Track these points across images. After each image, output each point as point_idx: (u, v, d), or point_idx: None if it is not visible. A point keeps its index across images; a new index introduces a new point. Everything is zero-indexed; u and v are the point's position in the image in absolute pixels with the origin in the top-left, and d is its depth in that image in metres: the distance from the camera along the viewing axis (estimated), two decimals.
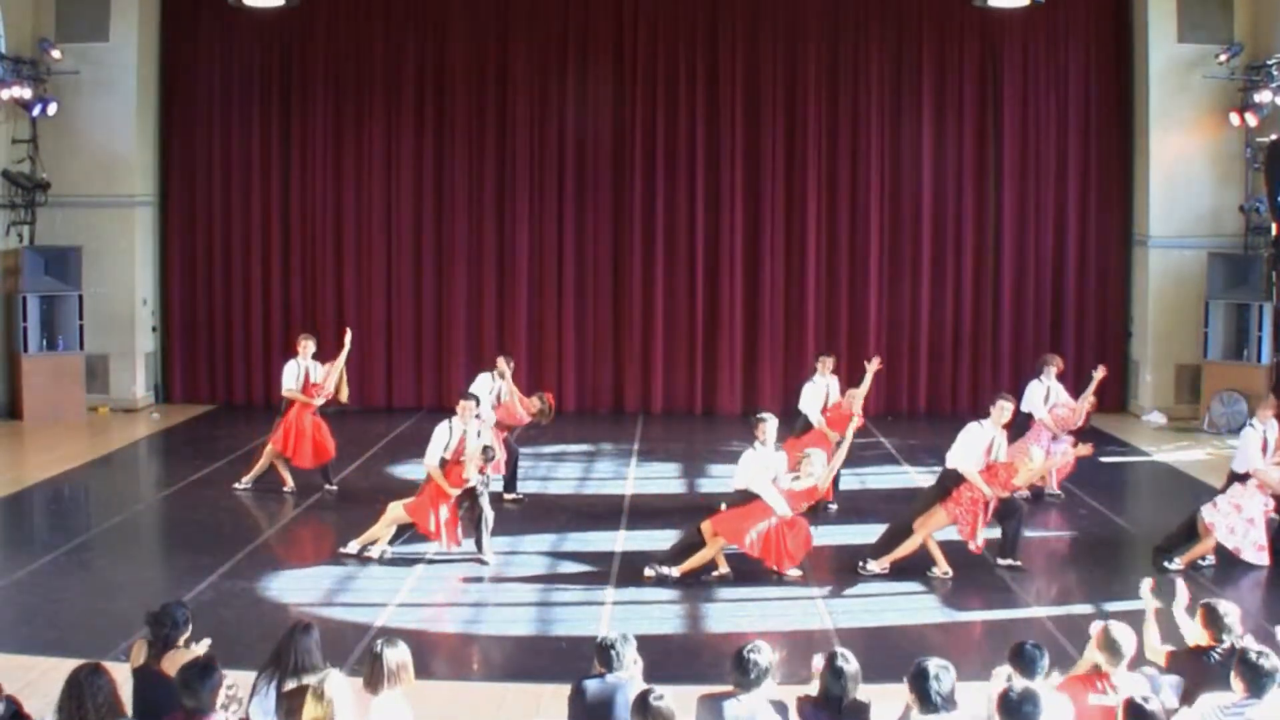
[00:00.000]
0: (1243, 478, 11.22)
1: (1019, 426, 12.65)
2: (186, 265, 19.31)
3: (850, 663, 6.15)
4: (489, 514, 11.32)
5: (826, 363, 13.75)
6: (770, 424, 11.02)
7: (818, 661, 6.31)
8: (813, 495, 10.71)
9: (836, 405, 13.52)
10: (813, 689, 6.24)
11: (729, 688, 5.99)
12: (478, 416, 11.95)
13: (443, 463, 11.19)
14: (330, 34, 19.02)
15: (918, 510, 11.07)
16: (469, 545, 11.28)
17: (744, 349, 19.19)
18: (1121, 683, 6.26)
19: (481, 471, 11.18)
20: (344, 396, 14.02)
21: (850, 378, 14.23)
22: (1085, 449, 11.45)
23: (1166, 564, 11.15)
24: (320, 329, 18.62)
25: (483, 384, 13.29)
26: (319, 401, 13.66)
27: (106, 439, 16.74)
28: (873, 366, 13.58)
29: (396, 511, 11.23)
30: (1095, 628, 6.48)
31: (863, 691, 6.13)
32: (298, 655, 6.33)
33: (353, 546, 11.31)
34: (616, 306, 19.24)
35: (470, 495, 11.27)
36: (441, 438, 11.28)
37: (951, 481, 10.92)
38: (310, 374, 13.73)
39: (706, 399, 19.26)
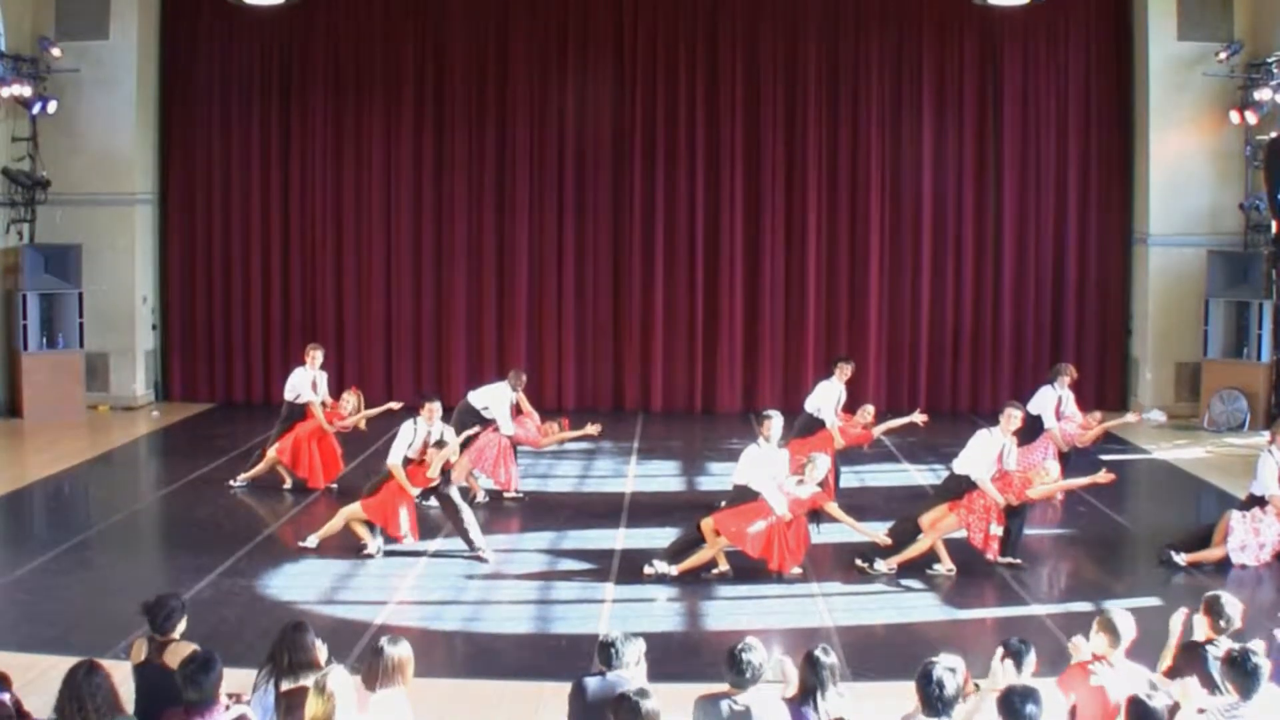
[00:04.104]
0: (1261, 501, 11.23)
1: (1027, 429, 12.59)
2: (186, 263, 19.31)
3: (828, 655, 6.17)
4: (468, 514, 11.34)
5: (845, 370, 13.81)
6: (776, 421, 11.07)
7: (786, 661, 6.33)
8: (816, 503, 10.71)
9: (847, 414, 13.61)
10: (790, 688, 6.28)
11: (727, 687, 5.99)
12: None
13: (406, 461, 11.22)
14: (330, 32, 19.02)
15: (922, 511, 11.07)
16: (463, 544, 11.32)
17: (744, 347, 19.19)
18: (1119, 663, 6.32)
19: (446, 469, 11.20)
20: (363, 425, 14.12)
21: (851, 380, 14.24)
22: (1106, 477, 11.23)
23: (1173, 555, 11.16)
24: (320, 327, 18.77)
25: (500, 395, 13.27)
26: (332, 429, 13.72)
27: (106, 437, 16.74)
28: (915, 417, 13.90)
29: (354, 509, 11.26)
30: (1073, 643, 6.61)
31: (861, 689, 6.13)
32: (292, 654, 6.35)
33: (311, 540, 11.37)
34: (616, 305, 19.24)
35: (433, 493, 11.34)
36: (406, 437, 11.32)
37: (961, 486, 10.93)
38: (317, 383, 13.78)
39: (706, 397, 19.26)
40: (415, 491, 11.24)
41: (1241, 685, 5.82)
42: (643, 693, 5.55)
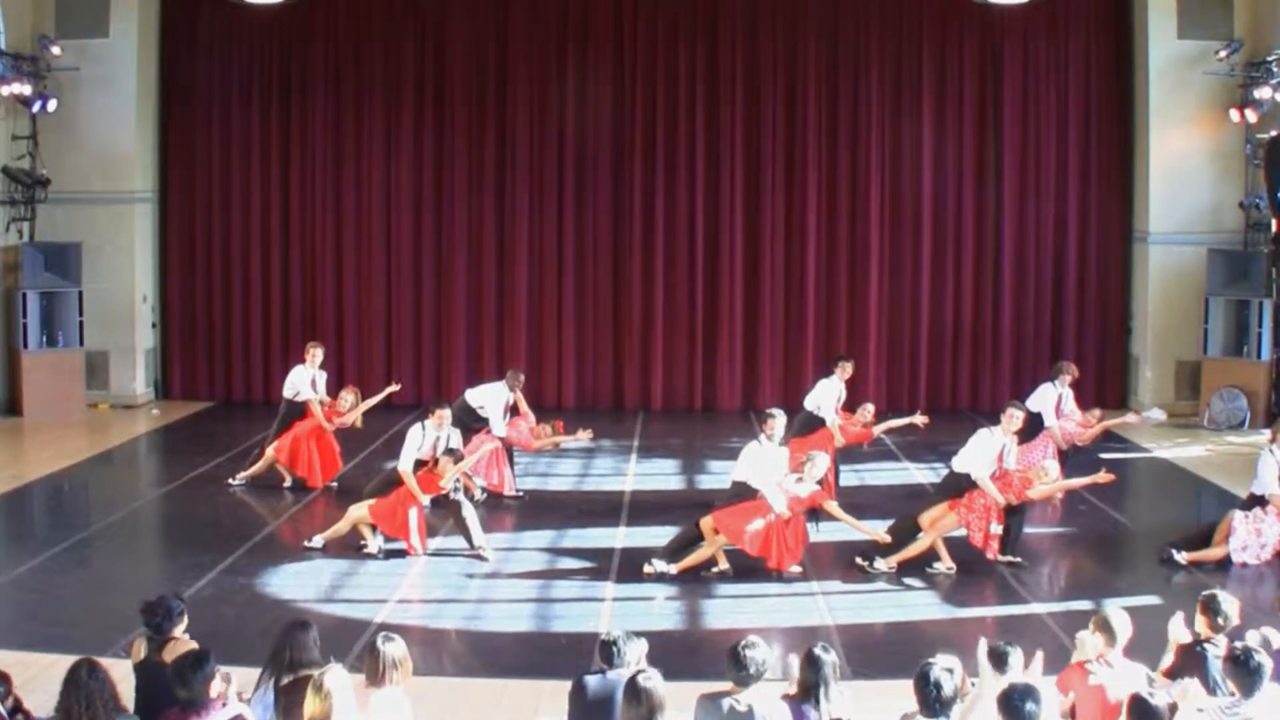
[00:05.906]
0: (1262, 500, 11.23)
1: (1026, 426, 12.57)
2: (186, 261, 19.31)
3: (828, 653, 6.19)
4: (470, 511, 11.34)
5: (845, 368, 13.84)
6: (779, 420, 11.07)
7: (793, 661, 6.34)
8: (815, 501, 10.72)
9: (847, 413, 13.63)
10: (794, 686, 6.28)
11: (729, 685, 5.99)
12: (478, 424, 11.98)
13: (416, 465, 11.21)
14: (330, 31, 19.02)
15: (922, 510, 11.07)
16: (463, 543, 11.31)
17: (744, 345, 19.19)
18: (1117, 662, 6.33)
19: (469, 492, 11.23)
20: (359, 424, 14.10)
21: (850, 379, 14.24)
22: (1106, 477, 11.23)
23: (1174, 554, 11.15)
24: (320, 326, 18.77)
25: (496, 395, 13.26)
26: (330, 427, 13.72)
27: (106, 435, 16.74)
28: (917, 419, 13.97)
29: (360, 511, 11.25)
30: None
31: (861, 688, 6.13)
32: (294, 653, 6.35)
33: (317, 541, 11.36)
34: (616, 303, 19.23)
35: (444, 499, 11.34)
36: (414, 440, 11.34)
37: (960, 484, 10.93)
38: (316, 382, 13.78)
39: (706, 395, 19.26)
40: (425, 500, 11.24)
41: (1244, 683, 5.82)
42: (651, 676, 5.59)
